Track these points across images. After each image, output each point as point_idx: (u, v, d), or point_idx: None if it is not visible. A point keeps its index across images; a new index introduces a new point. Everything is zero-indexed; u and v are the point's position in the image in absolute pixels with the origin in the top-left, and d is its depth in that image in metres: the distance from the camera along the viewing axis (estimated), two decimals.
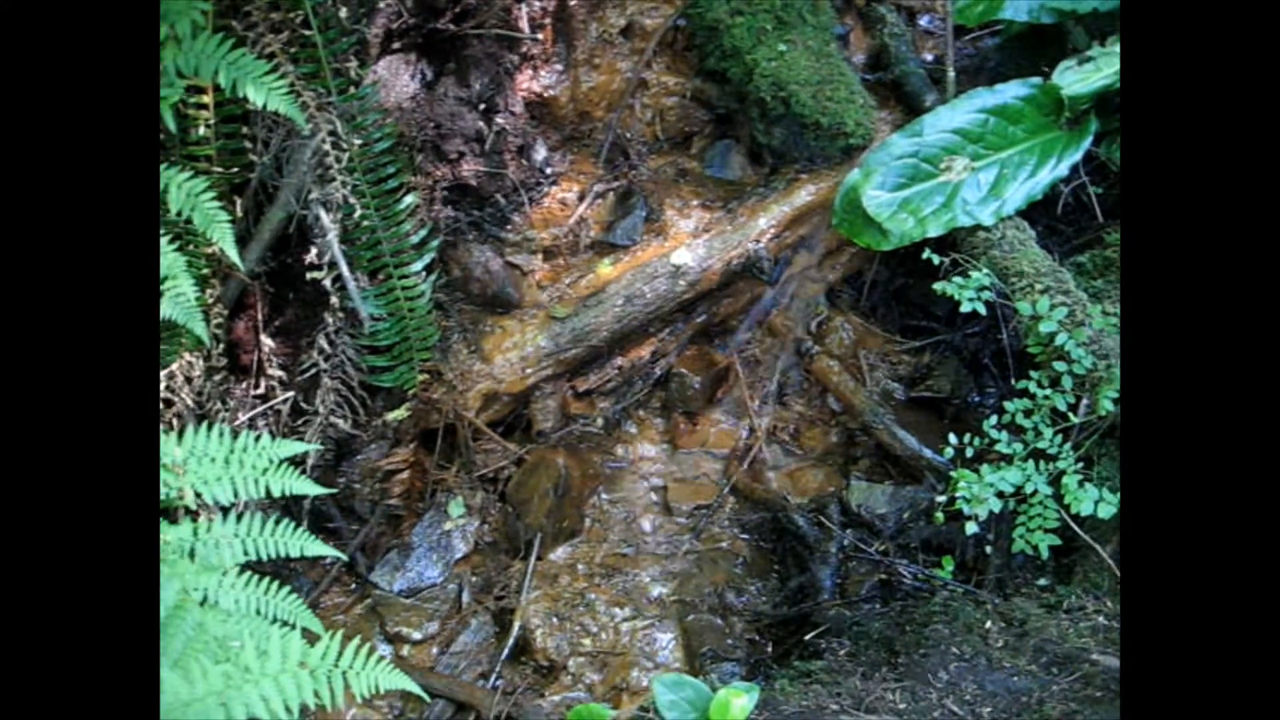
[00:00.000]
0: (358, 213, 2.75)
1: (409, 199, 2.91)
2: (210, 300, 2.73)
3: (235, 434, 1.56)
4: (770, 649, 2.93)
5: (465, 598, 3.02)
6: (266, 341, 2.96)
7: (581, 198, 3.30)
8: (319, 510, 2.98)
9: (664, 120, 3.44)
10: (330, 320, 2.88)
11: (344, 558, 1.83)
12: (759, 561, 3.11)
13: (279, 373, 2.96)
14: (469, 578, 3.05)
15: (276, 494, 1.55)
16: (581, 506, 3.12)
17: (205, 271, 2.68)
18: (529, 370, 3.09)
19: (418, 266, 2.95)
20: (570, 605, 2.97)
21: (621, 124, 3.37)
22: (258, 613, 1.57)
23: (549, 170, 3.29)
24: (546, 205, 3.27)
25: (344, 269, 2.71)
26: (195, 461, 1.54)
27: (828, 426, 3.35)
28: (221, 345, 2.77)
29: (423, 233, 2.96)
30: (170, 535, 1.51)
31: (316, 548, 1.59)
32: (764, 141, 3.33)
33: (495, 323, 3.12)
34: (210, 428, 1.57)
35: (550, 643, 2.89)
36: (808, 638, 2.81)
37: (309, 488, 1.57)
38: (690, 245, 3.19)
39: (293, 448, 1.59)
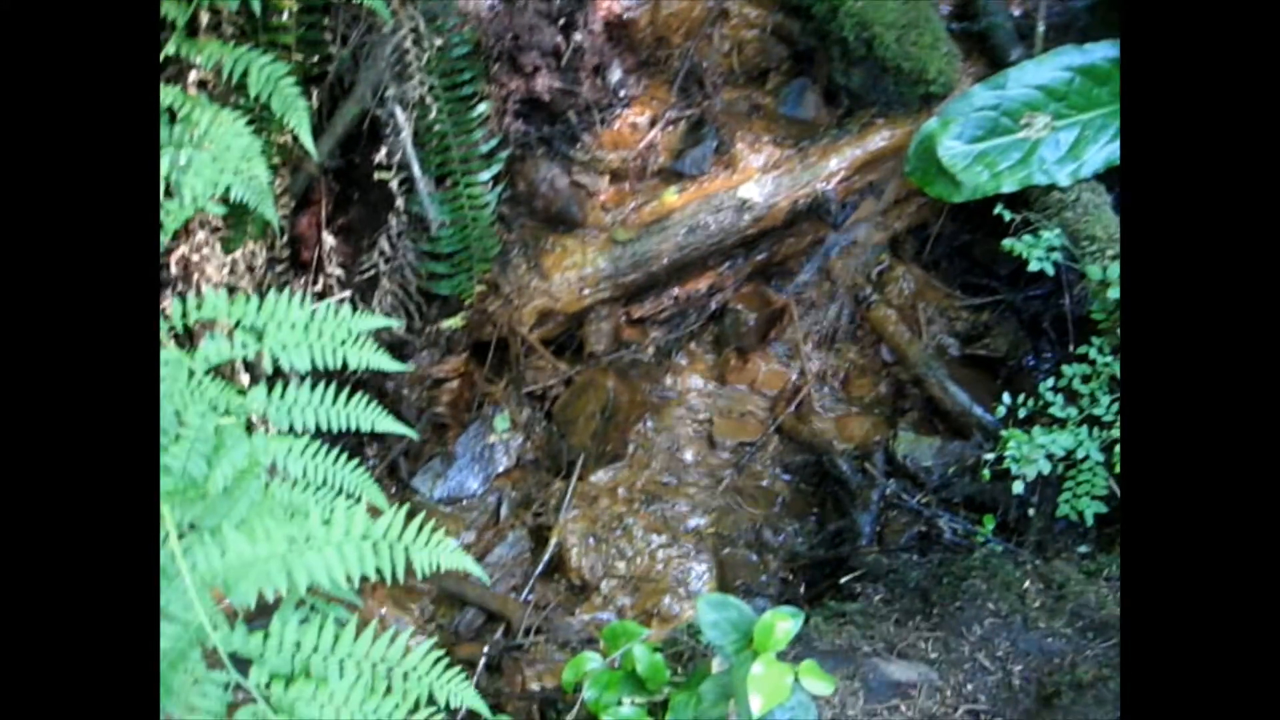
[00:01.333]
0: (432, 114, 2.73)
1: (482, 107, 2.89)
2: (278, 191, 2.73)
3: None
4: (803, 589, 2.94)
5: (504, 511, 3.03)
6: (328, 239, 2.96)
7: (653, 123, 3.26)
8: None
9: (741, 53, 3.39)
10: (394, 222, 2.87)
11: (415, 435, 1.83)
12: (798, 503, 3.11)
13: (338, 271, 2.96)
14: (509, 492, 3.07)
15: (353, 366, 1.55)
16: (626, 432, 3.11)
17: (275, 161, 2.67)
18: (586, 291, 3.08)
19: (485, 176, 2.93)
20: (607, 528, 2.98)
21: (698, 53, 3.32)
22: (324, 483, 1.58)
23: (622, 93, 3.26)
24: (617, 128, 3.24)
25: (415, 169, 2.69)
26: (274, 327, 1.53)
27: (878, 376, 3.33)
28: (285, 237, 2.77)
29: (493, 143, 2.94)
30: (244, 398, 1.52)
31: (388, 424, 1.59)
32: (841, 82, 3.27)
33: (556, 241, 3.10)
34: (291, 295, 1.56)
35: (585, 562, 2.90)
36: (843, 580, 2.81)
37: (386, 363, 1.56)
38: (758, 180, 3.15)
39: (373, 321, 1.59)
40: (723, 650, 2.03)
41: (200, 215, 2.48)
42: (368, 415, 1.58)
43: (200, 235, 2.43)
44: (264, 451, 1.54)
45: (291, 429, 1.56)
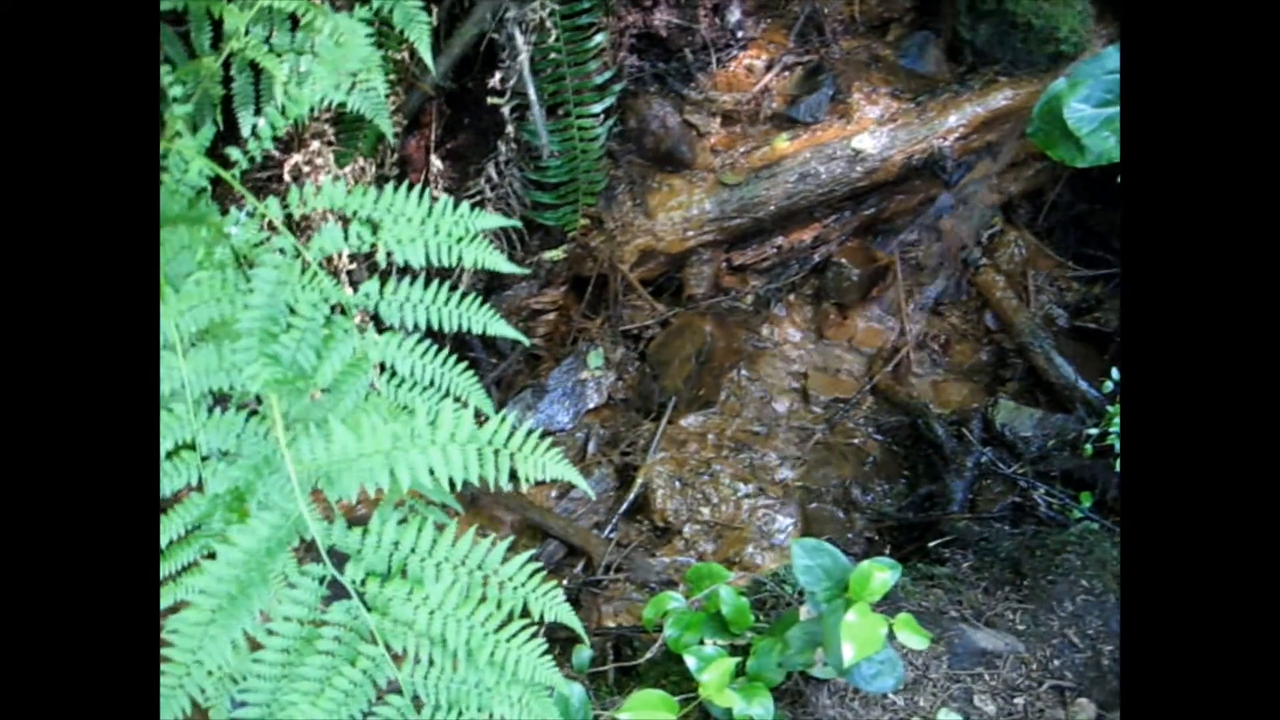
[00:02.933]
0: (550, 41, 2.70)
1: (599, 38, 2.85)
2: (390, 109, 2.71)
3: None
4: (888, 550, 2.88)
5: (591, 448, 3.02)
6: (435, 162, 2.95)
7: (769, 67, 3.19)
8: (461, 339, 2.98)
9: (864, 1, 3.30)
10: (502, 149, 2.85)
11: (527, 342, 1.81)
12: (889, 464, 3.05)
13: (443, 195, 2.94)
14: (597, 429, 3.05)
15: (469, 264, 1.53)
16: (720, 378, 3.07)
17: (390, 79, 2.66)
18: (690, 233, 3.04)
19: (597, 109, 2.90)
20: (695, 473, 2.95)
21: None
22: (431, 384, 1.56)
23: (740, 34, 3.19)
24: (732, 69, 3.18)
25: (532, 94, 2.67)
26: (391, 220, 1.52)
27: (979, 342, 3.24)
28: (395, 156, 2.76)
29: (607, 75, 2.90)
30: (354, 291, 1.50)
31: (500, 327, 1.57)
32: (966, 37, 3.17)
33: (663, 180, 3.06)
34: (410, 188, 1.54)
35: (669, 505, 2.87)
36: (932, 545, 2.75)
37: (502, 263, 1.54)
38: (873, 132, 3.07)
39: (491, 220, 1.56)
40: (813, 597, 2.00)
41: (314, 126, 2.48)
42: (479, 317, 1.56)
43: (314, 145, 2.43)
44: (373, 347, 1.52)
45: (402, 326, 1.55)
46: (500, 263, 1.54)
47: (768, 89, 3.17)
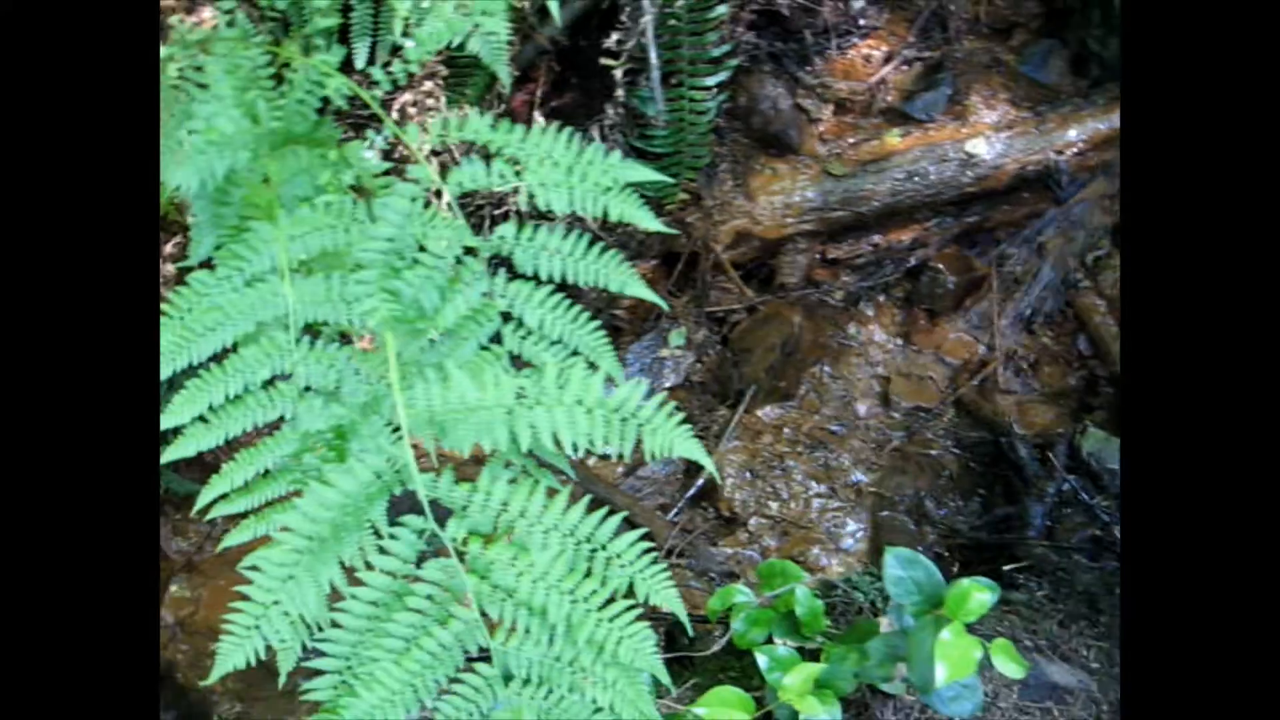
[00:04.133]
0: (675, 5, 2.61)
1: (721, 9, 2.76)
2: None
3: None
4: (957, 568, 2.78)
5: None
6: (539, 119, 2.86)
7: (888, 59, 3.09)
8: None
9: (991, 2, 3.19)
10: (610, 113, 2.76)
11: (666, 306, 1.73)
12: (965, 480, 2.95)
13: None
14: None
15: (614, 217, 1.44)
16: (802, 372, 2.98)
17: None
18: (789, 220, 2.94)
19: (710, 82, 2.81)
20: (767, 465, 2.87)
21: None
22: (559, 340, 1.48)
23: (862, 22, 3.09)
24: (850, 57, 3.07)
25: (653, 59, 2.58)
26: (536, 162, 1.43)
27: (1071, 366, 3.13)
28: (502, 107, 2.68)
29: (724, 49, 2.81)
30: (490, 234, 1.43)
31: (639, 288, 1.49)
32: (1095, 50, 3.05)
33: (768, 162, 2.96)
34: (560, 130, 1.46)
35: (738, 495, 2.80)
36: (1005, 569, 2.65)
37: (648, 220, 1.45)
38: (989, 138, 2.97)
39: (641, 172, 1.48)
40: (900, 610, 1.91)
41: (430, 65, 2.40)
42: (619, 275, 1.48)
43: (427, 85, 2.36)
44: (502, 294, 1.45)
45: (535, 275, 1.47)
46: (647, 219, 1.45)
47: (884, 81, 3.06)
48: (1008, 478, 2.90)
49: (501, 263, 1.48)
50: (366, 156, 1.44)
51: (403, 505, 1.37)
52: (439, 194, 1.54)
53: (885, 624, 2.03)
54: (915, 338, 3.13)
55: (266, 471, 1.58)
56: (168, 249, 2.46)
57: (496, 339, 1.48)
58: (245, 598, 1.36)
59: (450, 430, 1.31)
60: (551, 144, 1.45)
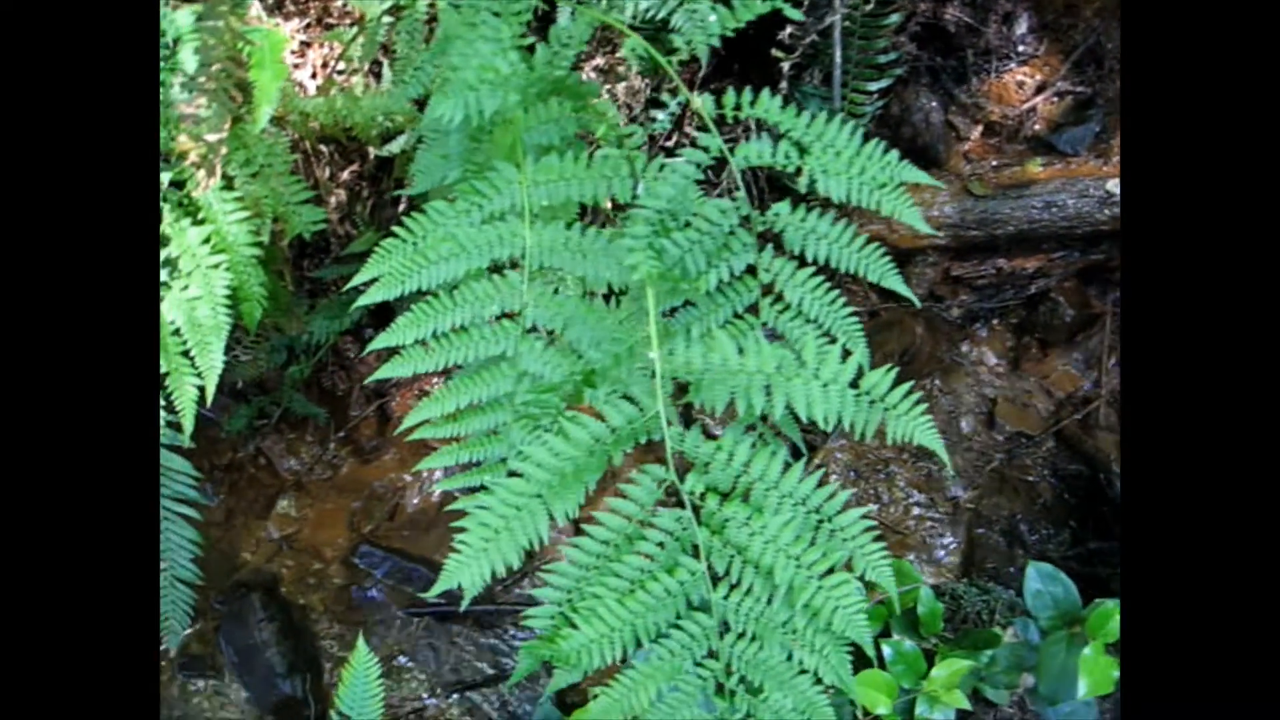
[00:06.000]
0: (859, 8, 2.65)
1: (893, 18, 2.80)
2: None
3: (867, 138, 1.51)
4: None
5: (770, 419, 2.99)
6: (694, 99, 2.91)
7: (1040, 89, 3.13)
8: None
9: None
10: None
11: (918, 303, 1.79)
12: (1059, 510, 3.00)
13: (694, 133, 2.92)
14: None
15: (885, 213, 1.50)
16: (917, 383, 3.02)
17: None
18: (922, 233, 2.99)
19: (873, 87, 2.85)
20: (872, 468, 2.92)
21: (1105, 33, 3.17)
22: (814, 320, 1.54)
23: (1021, 48, 3.13)
24: (1005, 81, 3.11)
25: (838, 56, 2.62)
26: (820, 148, 1.49)
27: None
28: (672, 83, 2.73)
29: (891, 56, 2.85)
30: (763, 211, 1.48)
31: (896, 283, 1.56)
32: None
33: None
34: (842, 122, 1.52)
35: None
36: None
37: (918, 221, 1.51)
38: None
39: (916, 174, 1.54)
40: (1032, 623, 1.98)
41: (619, 36, 2.45)
42: (878, 267, 1.54)
43: (621, 53, 2.41)
44: (765, 267, 1.50)
45: (801, 256, 1.53)
46: (917, 220, 1.51)
47: (1034, 110, 3.10)
48: (1101, 513, 2.95)
49: (769, 238, 1.54)
50: (659, 118, 1.49)
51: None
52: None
53: (1011, 634, 2.09)
54: (1025, 364, 3.18)
55: (488, 401, 1.64)
56: (344, 175, 2.53)
57: (750, 310, 1.54)
58: (478, 520, 1.41)
59: (706, 389, 1.37)
60: (835, 133, 1.51)
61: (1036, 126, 3.10)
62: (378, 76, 2.40)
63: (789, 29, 2.74)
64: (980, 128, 3.08)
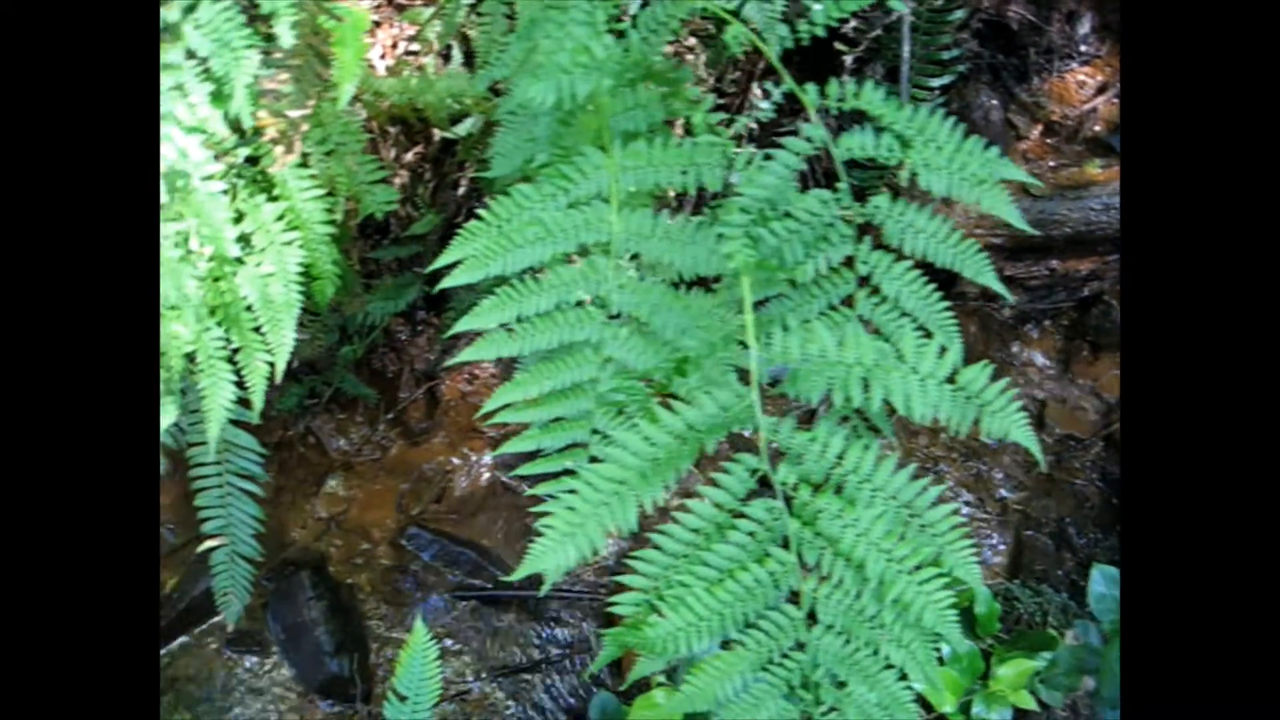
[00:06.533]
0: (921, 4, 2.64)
1: (959, 13, 2.78)
2: None
3: (967, 135, 1.51)
4: None
5: (821, 411, 2.98)
6: (755, 89, 2.90)
7: (1101, 90, 3.11)
8: None
9: None
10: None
11: (1011, 299, 1.79)
12: (1106, 515, 2.99)
13: (752, 124, 2.91)
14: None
15: (984, 208, 1.50)
16: None
17: None
18: (980, 230, 2.97)
19: (934, 83, 2.84)
20: (922, 466, 2.91)
21: None
22: (909, 314, 1.53)
23: (1084, 48, 3.11)
24: (1066, 80, 3.10)
25: (906, 51, 2.61)
26: (922, 141, 1.48)
27: None
28: (736, 73, 2.73)
29: (954, 53, 2.84)
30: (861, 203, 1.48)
31: (990, 279, 1.57)
32: None
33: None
34: (934, 115, 1.51)
35: None
36: None
37: (1015, 217, 1.51)
38: None
39: (1015, 171, 1.54)
40: (1094, 627, 1.97)
41: (694, 24, 2.45)
42: (974, 263, 1.53)
43: (690, 41, 2.41)
44: (864, 259, 1.50)
45: (898, 250, 1.52)
46: (1015, 217, 1.51)
47: (1095, 110, 3.09)
48: None
49: (867, 230, 1.53)
50: (763, 106, 1.49)
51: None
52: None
53: (1072, 637, 2.08)
54: (1075, 367, 3.17)
55: (569, 387, 1.63)
56: (408, 157, 2.53)
57: (845, 302, 1.53)
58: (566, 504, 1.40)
59: (802, 379, 1.36)
60: (937, 128, 1.50)
61: (1096, 128, 3.08)
62: (446, 59, 2.40)
63: (853, 23, 2.73)
64: (1040, 127, 3.07)
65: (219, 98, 1.58)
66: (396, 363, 3.04)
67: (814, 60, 2.82)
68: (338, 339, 2.86)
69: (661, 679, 2.01)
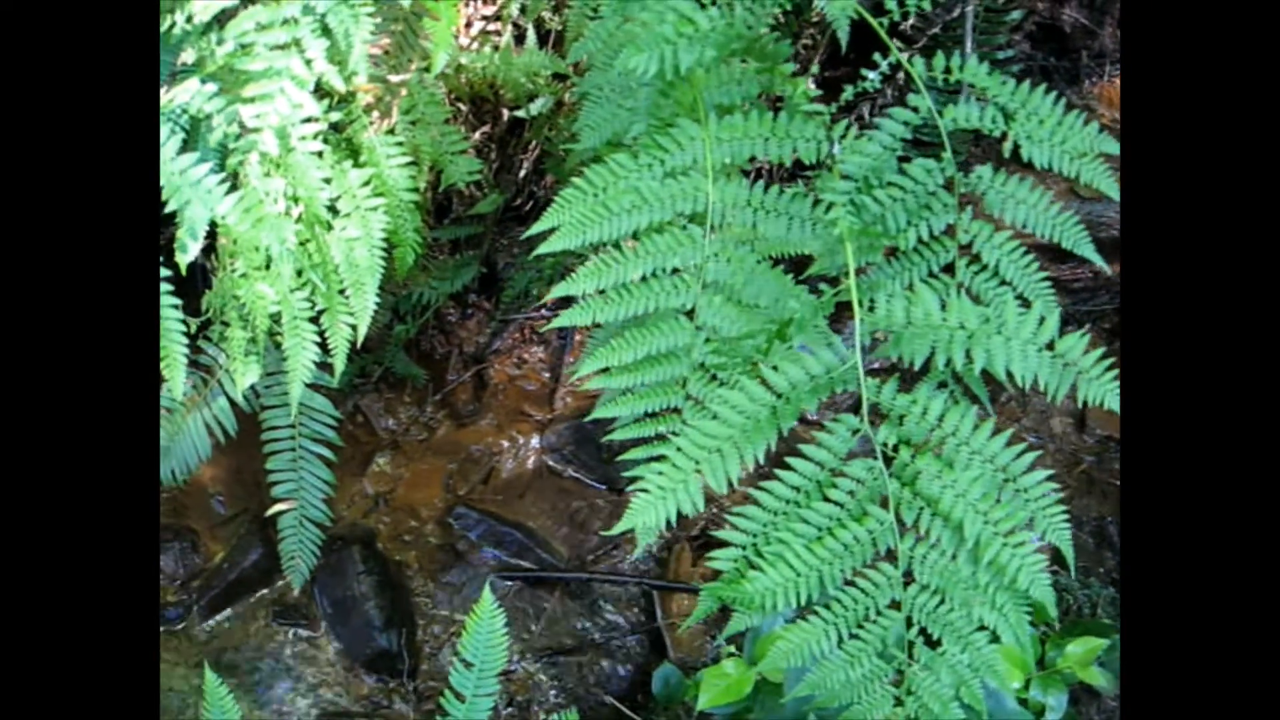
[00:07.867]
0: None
1: (1015, 14, 2.83)
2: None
3: (1069, 108, 1.54)
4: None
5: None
6: (810, 86, 2.94)
7: None
8: None
9: None
10: (889, 94, 2.84)
11: (1109, 270, 1.81)
12: None
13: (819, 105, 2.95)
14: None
15: (1084, 180, 1.54)
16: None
17: None
18: (1026, 230, 3.01)
19: None
20: None
21: None
22: (1009, 282, 1.57)
23: None
24: (1116, 85, 3.14)
25: (969, 47, 2.65)
26: (1025, 114, 1.52)
27: None
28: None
29: (1008, 53, 2.88)
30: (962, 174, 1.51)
31: (1089, 251, 1.60)
32: None
33: (1017, 170, 3.02)
34: (1047, 91, 1.55)
35: None
36: None
37: (1114, 191, 1.54)
38: None
39: (1113, 146, 1.56)
40: None
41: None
42: (1072, 233, 1.57)
43: None
44: (965, 229, 1.53)
45: (998, 218, 1.55)
46: (1113, 190, 1.54)
47: None
48: None
49: (969, 200, 1.56)
50: (870, 76, 1.52)
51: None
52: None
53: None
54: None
55: (663, 353, 1.66)
56: (475, 136, 2.56)
57: (945, 269, 1.57)
58: (670, 461, 1.43)
59: (906, 342, 1.39)
60: (1039, 101, 1.53)
61: None
62: (520, 39, 2.43)
63: (912, 20, 2.76)
64: None
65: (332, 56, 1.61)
66: (445, 345, 3.06)
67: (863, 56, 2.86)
68: (390, 318, 2.89)
69: (731, 649, 2.03)
